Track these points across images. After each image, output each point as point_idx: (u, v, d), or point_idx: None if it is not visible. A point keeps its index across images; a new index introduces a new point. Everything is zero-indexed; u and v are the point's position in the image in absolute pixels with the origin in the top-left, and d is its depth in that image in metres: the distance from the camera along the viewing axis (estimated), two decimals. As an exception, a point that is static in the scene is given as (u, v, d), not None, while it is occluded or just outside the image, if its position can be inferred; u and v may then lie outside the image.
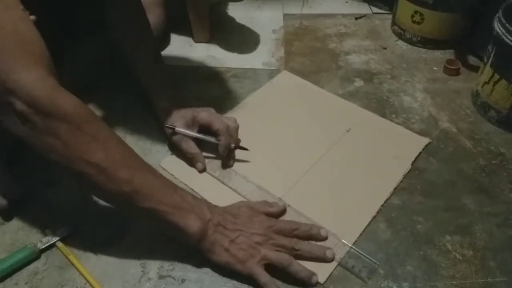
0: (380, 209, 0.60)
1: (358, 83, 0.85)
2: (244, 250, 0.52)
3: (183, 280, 0.53)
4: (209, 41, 0.97)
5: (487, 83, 0.74)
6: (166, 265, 0.54)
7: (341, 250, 0.55)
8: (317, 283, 0.52)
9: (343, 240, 0.56)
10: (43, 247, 0.55)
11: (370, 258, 0.54)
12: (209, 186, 0.63)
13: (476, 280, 0.53)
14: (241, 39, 0.99)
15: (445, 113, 0.78)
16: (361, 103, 0.79)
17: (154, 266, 0.54)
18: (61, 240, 0.56)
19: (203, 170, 0.66)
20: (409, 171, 0.66)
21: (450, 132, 0.74)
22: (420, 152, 0.69)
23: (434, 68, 0.89)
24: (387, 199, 0.62)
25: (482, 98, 0.76)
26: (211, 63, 0.90)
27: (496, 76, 0.72)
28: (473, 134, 0.73)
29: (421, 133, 0.73)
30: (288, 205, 0.60)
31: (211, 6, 1.01)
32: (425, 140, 0.71)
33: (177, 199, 0.52)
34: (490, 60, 0.73)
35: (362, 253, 0.55)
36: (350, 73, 0.88)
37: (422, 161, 0.68)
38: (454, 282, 0.52)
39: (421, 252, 0.56)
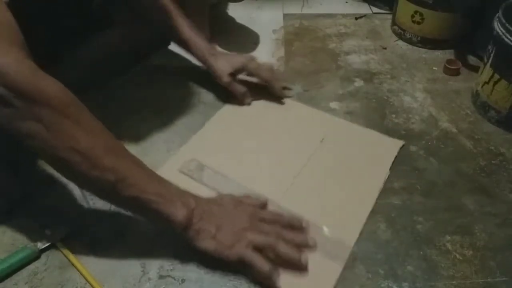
0: (365, 222, 0.59)
1: (358, 83, 0.85)
2: (231, 236, 0.51)
3: (183, 280, 0.53)
4: (209, 41, 0.96)
5: (487, 83, 0.74)
6: (166, 265, 0.54)
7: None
8: (307, 264, 0.52)
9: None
10: (43, 247, 0.55)
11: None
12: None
13: (476, 280, 0.53)
14: (241, 39, 0.99)
15: (445, 113, 0.78)
16: (361, 103, 0.79)
17: (154, 266, 0.54)
18: (61, 240, 0.56)
19: (249, 103, 0.78)
20: (409, 171, 0.66)
21: (450, 132, 0.74)
22: (396, 156, 0.68)
23: (434, 68, 0.89)
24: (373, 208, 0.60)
25: (482, 98, 0.76)
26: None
27: (496, 76, 0.72)
28: (473, 134, 0.73)
29: (421, 133, 0.73)
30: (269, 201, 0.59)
31: (211, 6, 1.00)
32: (399, 143, 0.70)
33: (162, 189, 0.51)
34: (490, 60, 0.73)
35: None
36: (350, 73, 0.88)
37: (422, 161, 0.68)
38: (454, 282, 0.52)
39: (421, 252, 0.56)
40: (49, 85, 0.46)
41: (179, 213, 0.50)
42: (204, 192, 0.59)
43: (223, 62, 0.76)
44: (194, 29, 0.78)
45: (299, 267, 0.52)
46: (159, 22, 0.79)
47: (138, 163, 0.52)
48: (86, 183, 0.51)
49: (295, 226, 0.56)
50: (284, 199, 0.61)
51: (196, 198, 0.54)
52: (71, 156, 0.46)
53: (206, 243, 0.51)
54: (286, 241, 0.53)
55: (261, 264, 0.50)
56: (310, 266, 0.53)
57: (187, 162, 0.66)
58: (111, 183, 0.48)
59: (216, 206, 0.54)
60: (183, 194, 0.53)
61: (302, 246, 0.54)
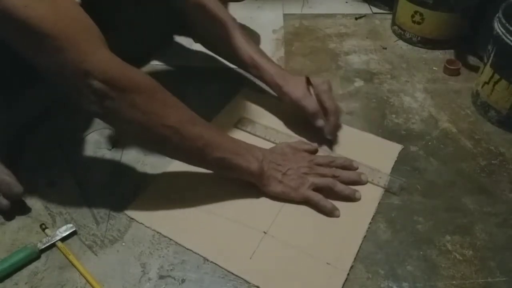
0: (368, 228, 0.58)
1: (358, 83, 0.85)
2: (295, 180, 0.61)
3: (183, 280, 0.53)
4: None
5: (487, 83, 0.74)
6: (166, 265, 0.54)
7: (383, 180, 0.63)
8: (360, 198, 0.61)
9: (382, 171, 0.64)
10: (43, 247, 0.55)
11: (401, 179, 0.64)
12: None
13: (476, 280, 0.53)
14: (241, 39, 0.98)
15: (445, 113, 0.78)
16: (361, 103, 0.79)
17: (154, 266, 0.54)
18: (61, 240, 0.56)
19: (322, 126, 0.68)
20: (409, 171, 0.66)
21: (450, 132, 0.74)
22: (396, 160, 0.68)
23: (434, 68, 0.89)
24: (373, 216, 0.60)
25: (482, 98, 0.76)
26: (211, 63, 0.90)
27: (496, 76, 0.72)
28: (473, 134, 0.73)
29: (421, 133, 0.73)
30: (320, 147, 0.68)
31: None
32: (398, 147, 0.70)
33: (236, 146, 0.60)
34: (490, 60, 0.73)
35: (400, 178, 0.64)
36: (350, 73, 0.88)
37: (422, 161, 0.68)
38: (454, 282, 0.52)
39: (421, 252, 0.56)
40: (137, 75, 0.53)
41: (253, 166, 0.59)
42: (259, 142, 0.67)
43: (294, 81, 0.70)
44: (258, 51, 0.74)
45: (354, 201, 0.61)
46: (212, 37, 0.76)
47: (215, 129, 0.60)
48: (181, 153, 0.58)
49: (347, 166, 0.65)
50: (279, 220, 0.60)
51: (262, 150, 0.62)
52: (165, 132, 0.53)
53: (276, 188, 0.61)
54: (341, 180, 0.62)
55: (324, 203, 0.59)
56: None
57: (240, 120, 0.74)
58: (200, 149, 0.56)
59: (279, 156, 0.63)
60: (252, 148, 0.61)
61: (356, 183, 0.63)
